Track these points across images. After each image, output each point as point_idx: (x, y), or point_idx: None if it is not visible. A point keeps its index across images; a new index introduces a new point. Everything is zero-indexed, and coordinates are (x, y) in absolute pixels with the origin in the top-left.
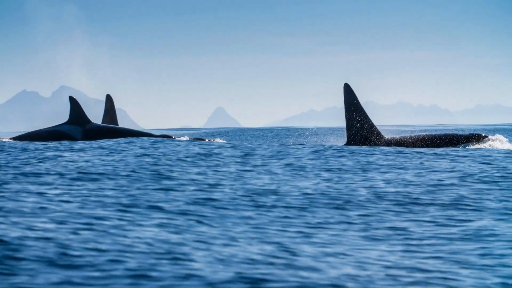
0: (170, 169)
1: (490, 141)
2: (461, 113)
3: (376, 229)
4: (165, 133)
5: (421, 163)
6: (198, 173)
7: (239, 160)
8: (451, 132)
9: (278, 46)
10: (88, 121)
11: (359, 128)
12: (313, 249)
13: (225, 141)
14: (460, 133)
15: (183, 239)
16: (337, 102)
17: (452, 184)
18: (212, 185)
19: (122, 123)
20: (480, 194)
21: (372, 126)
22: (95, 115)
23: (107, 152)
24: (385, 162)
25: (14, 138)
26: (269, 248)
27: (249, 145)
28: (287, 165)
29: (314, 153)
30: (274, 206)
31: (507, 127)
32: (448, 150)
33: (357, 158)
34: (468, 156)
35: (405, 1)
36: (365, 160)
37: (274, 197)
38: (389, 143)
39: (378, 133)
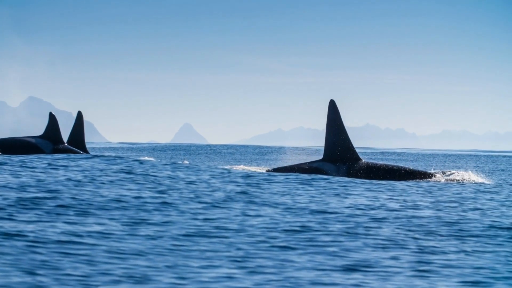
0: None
1: (456, 175)
2: (427, 137)
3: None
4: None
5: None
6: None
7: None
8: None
9: (247, 65)
10: (61, 140)
11: (338, 146)
12: None
13: (152, 159)
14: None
15: None
16: (304, 123)
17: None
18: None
19: (90, 137)
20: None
21: (351, 147)
22: (61, 127)
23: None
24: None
25: None
26: None
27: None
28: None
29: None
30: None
31: (472, 153)
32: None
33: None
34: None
35: (374, 25)
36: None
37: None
38: (363, 167)
39: (355, 154)
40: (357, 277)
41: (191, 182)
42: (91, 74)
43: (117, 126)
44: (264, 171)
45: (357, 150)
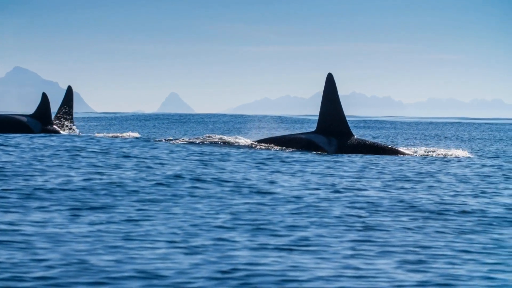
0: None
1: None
2: (414, 105)
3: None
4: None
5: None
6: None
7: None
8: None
9: (234, 34)
10: (50, 121)
11: (332, 120)
12: None
13: (136, 136)
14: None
15: None
16: (290, 91)
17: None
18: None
19: (76, 107)
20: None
21: (344, 122)
22: (48, 96)
23: None
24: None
25: None
26: None
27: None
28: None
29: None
30: None
31: (458, 121)
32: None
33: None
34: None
35: None
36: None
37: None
38: (353, 144)
39: (348, 129)
40: (294, 257)
41: (144, 159)
42: (78, 44)
43: (103, 96)
44: (249, 142)
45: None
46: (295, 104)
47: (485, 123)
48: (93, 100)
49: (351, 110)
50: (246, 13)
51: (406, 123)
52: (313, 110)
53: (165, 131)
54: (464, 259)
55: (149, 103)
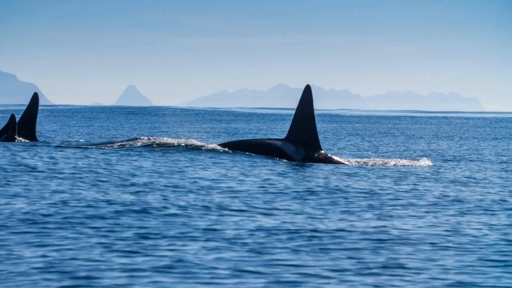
0: None
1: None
2: (372, 98)
3: None
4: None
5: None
6: None
7: None
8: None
9: (192, 26)
10: (12, 137)
11: (304, 131)
12: None
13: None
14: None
15: None
16: (248, 84)
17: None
18: None
19: None
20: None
21: (315, 135)
22: (5, 89)
23: None
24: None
25: None
26: None
27: None
28: None
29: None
30: None
31: (418, 114)
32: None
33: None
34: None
35: None
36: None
37: None
38: (319, 158)
39: (317, 143)
40: (147, 243)
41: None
42: (36, 36)
43: (62, 89)
44: (205, 146)
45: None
46: (253, 96)
47: (432, 117)
48: (52, 92)
49: None
50: (205, 5)
51: (364, 117)
52: (271, 103)
53: (120, 124)
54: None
55: (108, 96)
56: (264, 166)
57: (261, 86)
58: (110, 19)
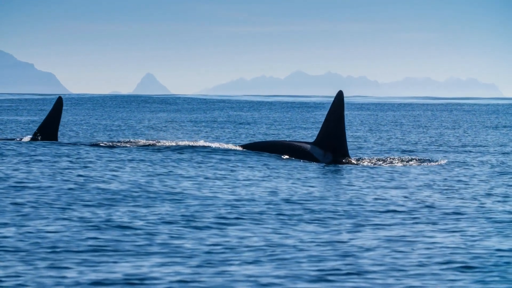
0: None
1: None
2: (389, 85)
3: None
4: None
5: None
6: None
7: None
8: None
9: (210, 14)
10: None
11: (333, 137)
12: None
13: None
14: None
15: None
16: (266, 71)
17: None
18: None
19: (53, 88)
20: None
21: (344, 141)
22: (23, 78)
23: None
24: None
25: None
26: None
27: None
28: None
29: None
30: None
31: (435, 101)
32: None
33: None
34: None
35: None
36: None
37: None
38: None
39: (345, 149)
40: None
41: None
42: (53, 25)
43: (79, 77)
44: (233, 147)
45: (319, 100)
46: (270, 84)
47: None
48: (69, 81)
49: (326, 90)
50: None
51: (380, 104)
52: (288, 90)
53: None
54: None
55: (125, 84)
56: (303, 170)
57: (278, 74)
58: (128, 7)
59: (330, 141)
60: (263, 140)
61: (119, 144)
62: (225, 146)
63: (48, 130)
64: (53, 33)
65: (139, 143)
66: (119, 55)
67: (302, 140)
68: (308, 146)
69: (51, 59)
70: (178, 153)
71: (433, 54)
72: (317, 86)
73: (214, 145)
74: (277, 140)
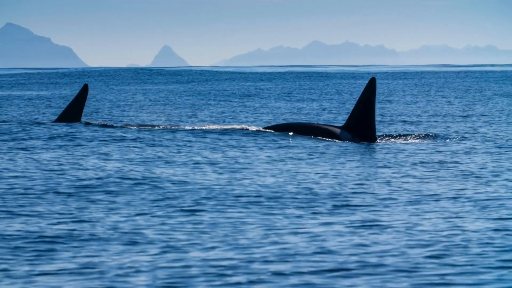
0: None
1: None
2: (407, 53)
3: None
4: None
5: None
6: None
7: None
8: None
9: None
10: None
11: (363, 122)
12: None
13: None
14: None
15: None
16: (284, 42)
17: None
18: None
19: (68, 61)
20: None
21: (373, 127)
22: (40, 52)
23: None
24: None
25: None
26: None
27: None
28: None
29: None
30: None
31: (453, 69)
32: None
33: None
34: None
35: None
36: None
37: None
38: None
39: (374, 135)
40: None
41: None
42: None
43: (95, 50)
44: (253, 129)
45: (333, 69)
46: (288, 54)
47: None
48: (86, 54)
49: (344, 59)
50: None
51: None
52: (306, 60)
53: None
54: None
55: (143, 57)
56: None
57: (296, 44)
58: None
59: (359, 127)
60: (287, 122)
61: (160, 127)
62: (255, 128)
63: (71, 116)
64: (69, 6)
65: (179, 127)
66: (136, 28)
67: (330, 124)
68: (337, 130)
69: (68, 33)
70: (217, 137)
71: (451, 22)
72: (335, 56)
73: (251, 128)
74: (306, 123)
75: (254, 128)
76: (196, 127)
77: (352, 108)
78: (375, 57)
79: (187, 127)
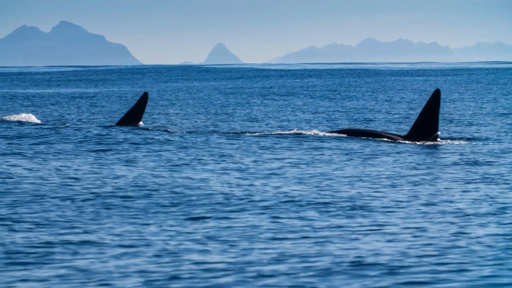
0: None
1: None
2: (461, 50)
3: None
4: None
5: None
6: None
7: None
8: None
9: None
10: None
11: (427, 132)
12: None
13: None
14: None
15: None
16: (337, 39)
17: None
18: None
19: (122, 59)
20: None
21: (435, 138)
22: (94, 51)
23: None
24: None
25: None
26: None
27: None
28: None
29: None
30: None
31: (507, 65)
32: None
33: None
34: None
35: None
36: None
37: None
38: None
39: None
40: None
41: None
42: None
43: (149, 48)
44: (323, 134)
45: (386, 67)
46: (341, 52)
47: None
48: (139, 52)
49: (397, 57)
50: None
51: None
52: (359, 57)
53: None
54: None
55: (196, 55)
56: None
57: (349, 41)
58: None
59: (422, 137)
60: (351, 127)
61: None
62: (321, 133)
63: (134, 121)
64: (123, 4)
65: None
66: (190, 26)
67: (394, 133)
68: (400, 139)
69: (122, 31)
70: (289, 142)
71: (505, 18)
72: (388, 53)
73: (322, 133)
74: (369, 130)
75: (321, 134)
76: (265, 132)
77: (415, 116)
78: (428, 54)
79: (249, 133)
